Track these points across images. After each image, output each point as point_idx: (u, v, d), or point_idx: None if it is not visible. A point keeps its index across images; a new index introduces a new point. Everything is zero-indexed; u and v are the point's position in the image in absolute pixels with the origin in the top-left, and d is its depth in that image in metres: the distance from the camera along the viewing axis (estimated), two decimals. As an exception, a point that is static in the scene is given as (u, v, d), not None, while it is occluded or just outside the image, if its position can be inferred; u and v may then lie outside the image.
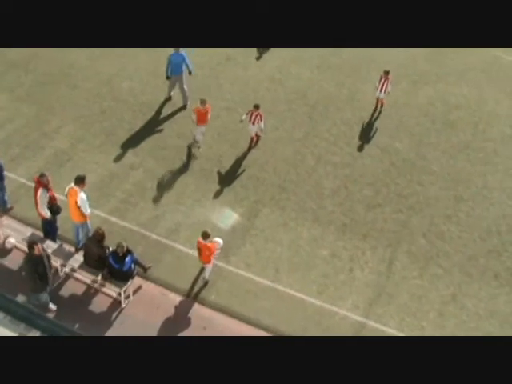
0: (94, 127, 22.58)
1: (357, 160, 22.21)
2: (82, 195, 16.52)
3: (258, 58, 27.69)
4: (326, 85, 25.47)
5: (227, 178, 20.75)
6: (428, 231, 19.46)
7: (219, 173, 21.14)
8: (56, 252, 16.87)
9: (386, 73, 23.94)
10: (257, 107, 21.72)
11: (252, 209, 19.78)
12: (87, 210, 16.73)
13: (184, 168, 21.17)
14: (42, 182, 16.67)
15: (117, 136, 22.34)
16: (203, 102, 21.08)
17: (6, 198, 18.62)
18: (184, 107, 24.38)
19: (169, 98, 24.69)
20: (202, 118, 21.25)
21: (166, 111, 23.88)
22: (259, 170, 21.40)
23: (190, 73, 24.20)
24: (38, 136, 22.13)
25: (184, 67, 23.88)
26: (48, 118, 23.03)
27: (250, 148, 22.42)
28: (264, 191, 20.51)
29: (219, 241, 17.03)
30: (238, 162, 21.65)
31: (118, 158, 21.33)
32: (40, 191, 16.62)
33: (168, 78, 23.99)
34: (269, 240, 18.73)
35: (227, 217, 21.33)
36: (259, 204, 19.98)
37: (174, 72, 23.88)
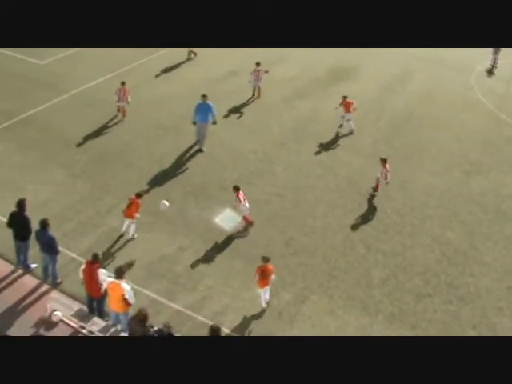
0: (145, 206, 22.83)
1: (407, 249, 21.98)
2: (127, 287, 16.34)
3: (309, 145, 28.14)
4: (377, 173, 25.48)
5: (275, 264, 20.61)
6: (479, 323, 18.90)
7: (267, 258, 21.11)
8: (103, 330, 16.89)
9: (383, 160, 24.35)
10: (236, 189, 21.91)
11: (299, 295, 19.57)
12: (133, 301, 16.63)
13: (233, 251, 21.19)
14: (99, 263, 16.92)
15: (167, 216, 22.57)
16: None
17: (58, 272, 18.88)
18: (200, 150, 27.19)
19: (200, 150, 27.30)
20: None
21: (216, 193, 24.16)
22: (308, 256, 21.28)
23: (214, 122, 26.59)
24: (91, 213, 22.53)
25: (210, 116, 26.33)
26: (102, 196, 23.50)
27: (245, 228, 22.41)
28: (312, 278, 20.33)
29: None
30: (287, 249, 21.61)
31: (167, 238, 21.49)
32: (100, 271, 16.80)
33: (194, 123, 26.94)
34: (316, 326, 18.38)
35: (231, 219, 21.40)
36: (307, 291, 19.77)
37: (202, 120, 26.30)
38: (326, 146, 28.41)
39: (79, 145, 26.83)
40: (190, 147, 27.26)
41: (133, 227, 21.31)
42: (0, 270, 19.23)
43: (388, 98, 34.50)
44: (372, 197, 24.66)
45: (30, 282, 18.93)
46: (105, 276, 16.86)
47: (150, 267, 20.08)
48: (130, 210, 20.96)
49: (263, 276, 18.44)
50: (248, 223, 22.46)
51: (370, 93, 34.88)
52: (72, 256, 20.18)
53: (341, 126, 30.18)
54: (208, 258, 20.79)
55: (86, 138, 27.30)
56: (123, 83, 29.35)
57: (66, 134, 27.58)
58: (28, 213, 18.92)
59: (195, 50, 37.34)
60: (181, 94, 32.47)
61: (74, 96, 31.51)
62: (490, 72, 40.02)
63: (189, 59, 37.67)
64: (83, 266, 17.07)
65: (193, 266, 20.36)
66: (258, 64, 32.40)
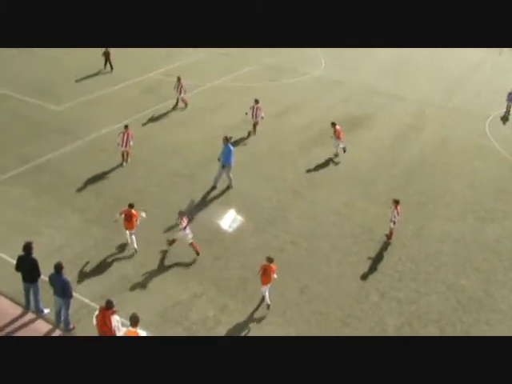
0: (160, 254, 23.02)
1: (422, 297, 21.86)
2: (144, 333, 16.47)
3: (324, 193, 28.26)
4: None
5: (289, 312, 20.61)
6: (495, 372, 18.72)
7: (281, 306, 21.05)
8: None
9: (396, 202, 24.37)
10: (181, 214, 22.80)
11: (314, 343, 19.47)
12: None
13: (246, 299, 21.17)
14: (113, 310, 17.00)
15: (182, 264, 22.67)
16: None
17: (69, 317, 18.93)
18: (229, 187, 28.21)
19: (214, 187, 28.28)
20: None
21: (231, 243, 24.19)
22: (323, 304, 21.21)
23: (222, 166, 27.79)
24: (105, 258, 22.66)
25: (231, 159, 27.56)
26: (116, 242, 23.62)
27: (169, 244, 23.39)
28: (327, 326, 20.20)
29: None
30: (302, 297, 21.56)
31: (181, 285, 21.52)
32: (114, 318, 16.89)
33: (218, 160, 28.22)
34: (330, 375, 18.28)
35: (233, 220, 21.32)
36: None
37: (222, 161, 27.68)
38: (340, 194, 28.50)
39: (94, 190, 27.10)
40: (205, 195, 27.46)
41: (134, 239, 23.03)
42: (11, 314, 19.41)
43: (402, 146, 34.64)
44: (387, 244, 24.64)
45: (42, 326, 19.12)
46: (118, 323, 16.93)
47: (163, 314, 20.07)
48: (131, 223, 22.63)
49: (266, 274, 20.19)
50: (195, 249, 23.17)
51: (384, 141, 35.07)
52: (85, 302, 20.27)
53: (337, 155, 32.44)
54: (222, 305, 20.76)
55: (101, 184, 27.53)
56: (126, 127, 29.74)
57: (80, 180, 27.93)
58: (42, 257, 19.17)
59: (185, 99, 37.65)
60: (196, 141, 32.83)
61: (88, 142, 31.99)
62: (505, 119, 40.12)
63: (177, 108, 37.81)
64: (97, 312, 17.14)
65: (207, 313, 20.35)
66: (256, 101, 34.08)
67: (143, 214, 23.21)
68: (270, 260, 20.36)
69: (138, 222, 22.84)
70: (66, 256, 22.11)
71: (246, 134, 34.22)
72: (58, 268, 18.20)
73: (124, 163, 29.84)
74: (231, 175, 28.13)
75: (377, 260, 23.73)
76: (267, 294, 20.63)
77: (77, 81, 41.22)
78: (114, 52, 43.81)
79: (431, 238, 25.38)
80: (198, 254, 23.06)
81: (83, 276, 21.58)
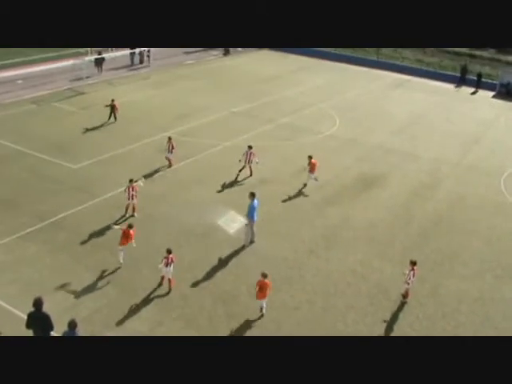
0: (174, 312, 22.92)
1: (440, 356, 21.57)
2: None
3: (339, 252, 28.22)
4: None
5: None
6: None
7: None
8: None
9: (413, 263, 24.26)
10: (169, 252, 24.02)
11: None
12: None
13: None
14: None
15: (197, 323, 22.55)
16: None
17: None
18: (244, 246, 28.20)
19: (244, 246, 28.46)
20: None
21: (245, 300, 24.08)
22: (339, 363, 20.97)
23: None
24: (118, 316, 22.64)
25: (254, 214, 27.83)
26: (130, 301, 23.60)
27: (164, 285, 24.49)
28: (343, 386, 19.97)
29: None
30: (317, 355, 21.32)
31: (195, 346, 21.38)
32: None
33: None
34: None
35: (232, 220, 21.06)
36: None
37: (248, 215, 27.97)
38: (356, 253, 28.40)
39: (108, 248, 27.03)
40: (221, 253, 27.44)
41: (122, 254, 25.72)
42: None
43: (417, 204, 34.57)
44: (403, 304, 24.46)
45: None
46: None
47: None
48: (126, 240, 25.47)
49: (261, 290, 22.40)
50: (170, 287, 24.49)
51: (400, 199, 35.00)
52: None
53: (306, 185, 35.53)
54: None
55: (116, 242, 27.23)
56: (131, 181, 30.20)
57: (96, 237, 28.06)
58: (56, 315, 19.14)
59: (171, 160, 37.23)
60: (212, 199, 32.97)
61: (104, 200, 32.07)
62: (520, 176, 40.10)
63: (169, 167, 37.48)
64: None
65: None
66: (250, 147, 35.87)
67: (133, 244, 25.73)
68: (264, 276, 22.44)
69: (132, 242, 25.64)
70: (80, 314, 22.16)
71: (263, 193, 34.23)
72: (72, 326, 18.23)
73: (130, 213, 30.54)
74: (249, 232, 28.33)
75: (393, 319, 23.55)
76: (264, 305, 23.02)
77: (93, 138, 41.53)
78: (124, 108, 45.34)
79: (448, 296, 25.19)
80: (169, 290, 24.42)
81: (97, 333, 21.46)
